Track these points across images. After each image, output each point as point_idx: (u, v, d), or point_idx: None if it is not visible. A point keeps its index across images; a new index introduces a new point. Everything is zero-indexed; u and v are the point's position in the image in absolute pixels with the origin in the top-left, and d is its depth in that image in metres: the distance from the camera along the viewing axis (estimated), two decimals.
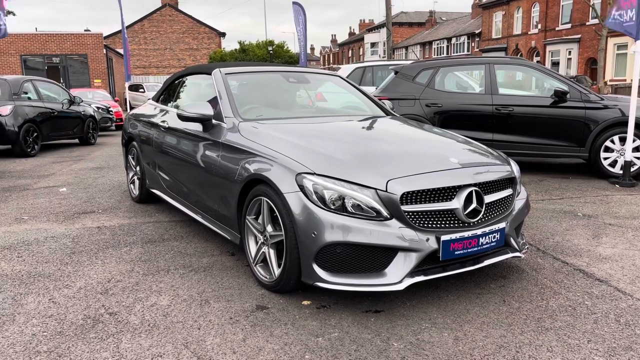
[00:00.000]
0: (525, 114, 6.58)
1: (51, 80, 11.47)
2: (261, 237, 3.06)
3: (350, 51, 73.00)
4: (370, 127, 3.76)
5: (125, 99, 18.67)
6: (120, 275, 3.28)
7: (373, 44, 59.00)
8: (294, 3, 15.35)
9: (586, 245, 3.84)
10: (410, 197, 2.68)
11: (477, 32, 42.88)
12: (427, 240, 2.66)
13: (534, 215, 4.67)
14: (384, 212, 2.64)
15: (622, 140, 6.19)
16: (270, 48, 43.82)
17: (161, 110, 4.84)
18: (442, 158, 2.96)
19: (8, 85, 9.40)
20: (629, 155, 6.04)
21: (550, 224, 4.44)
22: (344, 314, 2.70)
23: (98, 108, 14.11)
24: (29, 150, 9.42)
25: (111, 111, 15.19)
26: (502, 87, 6.96)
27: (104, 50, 28.30)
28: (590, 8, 27.54)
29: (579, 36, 30.84)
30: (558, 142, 6.50)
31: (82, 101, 11.78)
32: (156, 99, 5.30)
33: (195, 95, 4.64)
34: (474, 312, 2.72)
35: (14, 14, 33.75)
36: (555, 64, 32.52)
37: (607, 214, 4.76)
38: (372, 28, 64.31)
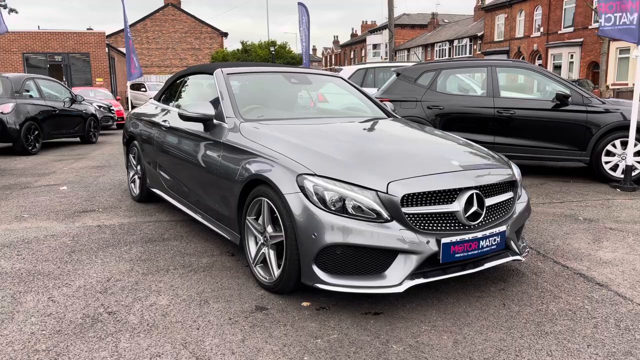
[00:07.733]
0: (526, 117, 6.57)
1: (53, 79, 11.49)
2: (261, 237, 3.05)
3: (352, 52, 73.03)
4: (371, 129, 3.76)
5: (127, 97, 18.68)
6: (120, 275, 3.28)
7: (375, 46, 58.94)
8: (299, 4, 15.36)
9: (587, 250, 3.83)
10: (411, 199, 2.68)
11: (479, 34, 42.88)
12: (428, 242, 2.65)
13: (535, 219, 4.66)
14: (385, 214, 2.64)
15: (624, 144, 6.18)
16: (272, 48, 43.85)
17: (162, 110, 4.84)
18: (443, 160, 2.96)
19: (10, 83, 9.41)
20: (631, 160, 6.03)
21: (551, 227, 4.43)
22: (343, 316, 2.69)
23: (99, 107, 14.13)
24: (30, 148, 9.42)
25: (113, 110, 15.19)
26: (504, 90, 6.95)
27: (106, 49, 28.34)
28: (593, 12, 27.57)
29: (581, 40, 30.84)
30: (559, 145, 6.49)
31: (83, 100, 11.77)
32: (158, 98, 5.30)
33: (196, 95, 4.64)
34: (473, 315, 2.72)
35: (16, 12, 33.78)
36: (558, 67, 32.51)
37: (607, 218, 4.75)
38: (374, 29, 64.28)
